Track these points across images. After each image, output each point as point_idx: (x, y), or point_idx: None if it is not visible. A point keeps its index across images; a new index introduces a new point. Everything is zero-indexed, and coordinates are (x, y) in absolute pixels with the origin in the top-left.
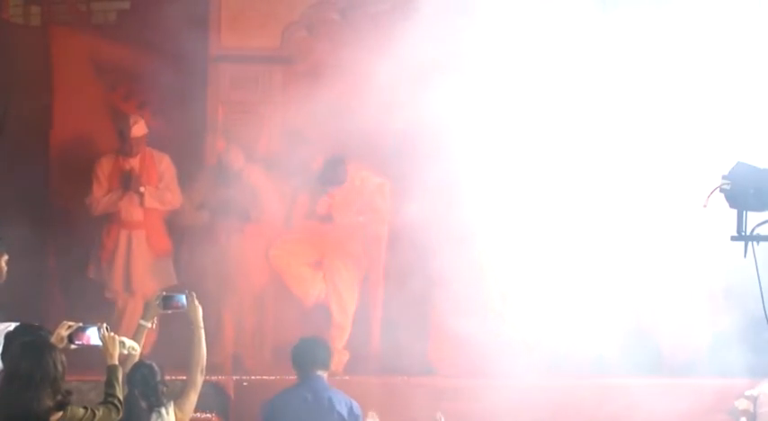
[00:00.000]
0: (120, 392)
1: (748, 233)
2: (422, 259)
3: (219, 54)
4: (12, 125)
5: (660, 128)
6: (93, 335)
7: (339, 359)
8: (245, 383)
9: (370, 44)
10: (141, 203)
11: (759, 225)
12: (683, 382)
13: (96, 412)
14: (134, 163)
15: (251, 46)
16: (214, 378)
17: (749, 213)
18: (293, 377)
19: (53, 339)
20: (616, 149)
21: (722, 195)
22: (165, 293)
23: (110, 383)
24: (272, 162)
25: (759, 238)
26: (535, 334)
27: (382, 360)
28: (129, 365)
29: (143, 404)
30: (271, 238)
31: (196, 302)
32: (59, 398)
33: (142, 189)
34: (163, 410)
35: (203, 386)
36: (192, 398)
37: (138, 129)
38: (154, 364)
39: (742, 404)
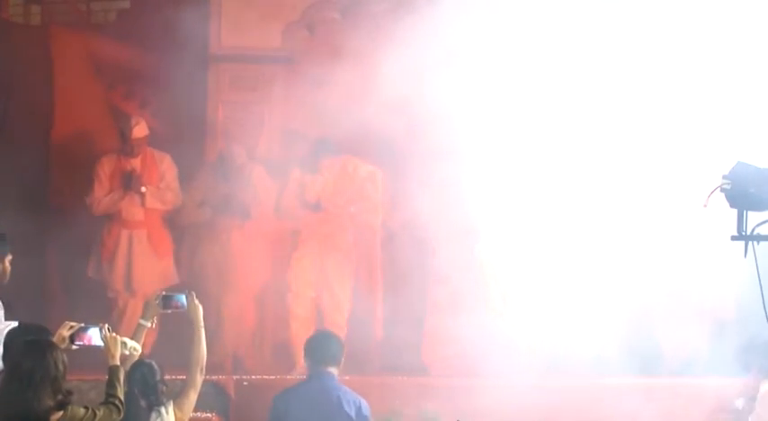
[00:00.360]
0: (121, 393)
1: (748, 233)
2: (422, 257)
3: (219, 54)
4: (12, 124)
5: (660, 128)
6: (94, 336)
7: None
8: (245, 383)
9: (370, 43)
10: (142, 203)
11: (759, 225)
12: (684, 382)
13: (97, 412)
14: (135, 163)
15: (251, 46)
16: (214, 377)
17: (749, 213)
18: (293, 377)
19: (54, 339)
20: (616, 149)
21: (722, 195)
22: (164, 293)
23: (111, 383)
24: (272, 162)
25: (759, 238)
26: (535, 334)
27: (382, 359)
28: (129, 365)
29: (142, 402)
30: (271, 238)
31: (196, 302)
32: (60, 397)
33: (143, 189)
34: (162, 410)
35: (203, 385)
36: (192, 398)
37: (140, 130)
38: (153, 363)
39: (741, 403)
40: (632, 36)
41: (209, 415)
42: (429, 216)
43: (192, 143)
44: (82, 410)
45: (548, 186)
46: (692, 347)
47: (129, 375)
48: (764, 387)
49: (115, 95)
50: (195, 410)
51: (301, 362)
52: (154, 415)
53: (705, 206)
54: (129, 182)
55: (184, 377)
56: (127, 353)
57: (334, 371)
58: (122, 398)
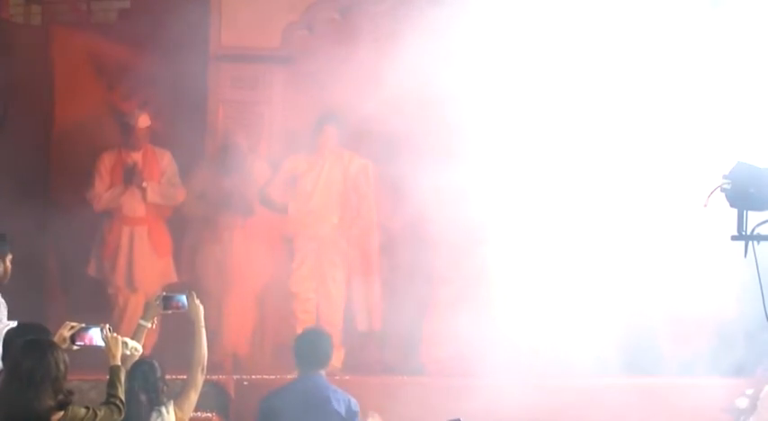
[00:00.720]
0: (122, 393)
1: (749, 233)
2: (423, 258)
3: (220, 53)
4: (13, 124)
5: (661, 128)
6: (95, 336)
7: (336, 356)
8: (245, 382)
9: (370, 43)
10: (144, 199)
11: (759, 225)
12: (684, 383)
13: (98, 412)
14: (137, 157)
15: (251, 45)
16: (214, 377)
17: (749, 213)
18: (293, 377)
19: (55, 339)
20: (617, 150)
21: (723, 195)
22: (165, 293)
23: (112, 384)
24: (272, 161)
25: (759, 238)
26: (535, 334)
27: (381, 360)
28: (129, 365)
29: (143, 398)
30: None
31: (197, 301)
32: (61, 397)
33: (145, 184)
34: (163, 409)
35: (203, 385)
36: (193, 398)
37: (144, 120)
38: (155, 362)
39: (742, 403)
40: (633, 37)
41: (209, 414)
42: (430, 217)
43: (193, 143)
44: (83, 410)
45: (549, 187)
46: (693, 347)
47: (130, 373)
48: (766, 387)
49: (115, 95)
50: (195, 410)
51: None
52: (155, 414)
53: (705, 206)
54: (130, 177)
55: (185, 377)
56: (128, 353)
57: (322, 371)
58: (123, 398)
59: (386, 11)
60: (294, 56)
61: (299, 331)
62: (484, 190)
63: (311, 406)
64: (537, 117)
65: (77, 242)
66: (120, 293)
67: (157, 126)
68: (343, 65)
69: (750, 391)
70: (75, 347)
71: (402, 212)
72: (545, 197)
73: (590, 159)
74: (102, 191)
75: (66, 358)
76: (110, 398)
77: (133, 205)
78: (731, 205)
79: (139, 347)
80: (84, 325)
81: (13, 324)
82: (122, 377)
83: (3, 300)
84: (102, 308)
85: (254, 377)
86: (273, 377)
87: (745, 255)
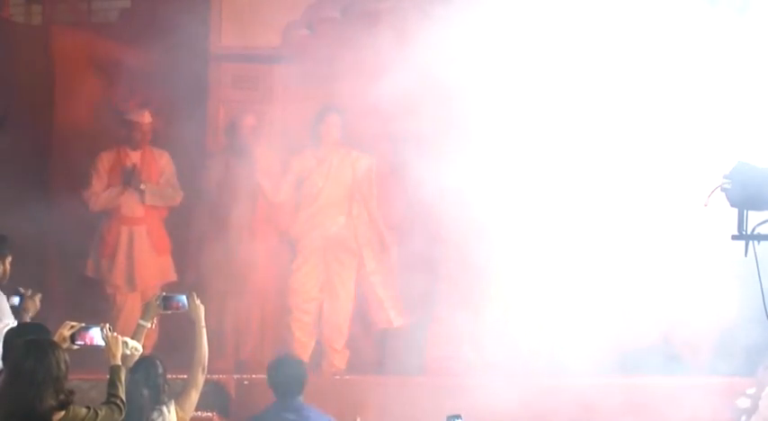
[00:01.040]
0: (122, 392)
1: (749, 232)
2: (426, 257)
3: (220, 53)
4: (13, 123)
5: (661, 128)
6: (96, 336)
7: (341, 358)
8: (246, 382)
9: (370, 43)
10: (142, 200)
11: (760, 224)
12: (685, 382)
13: (99, 412)
14: (135, 157)
15: (252, 45)
16: (215, 377)
17: (750, 212)
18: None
19: (55, 338)
20: (617, 150)
21: (723, 194)
22: (165, 294)
23: (112, 383)
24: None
25: (760, 238)
26: (537, 334)
27: (382, 360)
28: (129, 365)
29: (145, 393)
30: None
31: (198, 301)
32: (62, 397)
33: (143, 186)
34: (164, 408)
35: (204, 385)
36: (194, 397)
37: (147, 116)
38: (157, 359)
39: (744, 403)
40: (634, 37)
41: (209, 414)
42: (433, 217)
43: (193, 143)
44: (84, 410)
45: (550, 188)
46: (693, 347)
47: (131, 370)
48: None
49: (116, 95)
50: (196, 409)
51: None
52: (156, 414)
53: (706, 205)
54: (128, 177)
55: (186, 377)
56: (128, 352)
57: (300, 397)
58: (124, 397)
59: (386, 9)
60: (295, 55)
61: (294, 331)
62: (489, 192)
63: None
64: (539, 118)
65: (77, 242)
66: (119, 292)
67: (158, 125)
68: (344, 64)
69: (751, 391)
70: (75, 347)
71: (406, 212)
72: (545, 197)
73: (590, 159)
74: (99, 190)
75: (67, 358)
76: (110, 398)
77: (132, 205)
78: (731, 205)
79: (139, 347)
80: (84, 324)
81: (13, 324)
82: (123, 376)
83: (4, 296)
84: (100, 307)
85: (254, 377)
86: None
87: (746, 255)
